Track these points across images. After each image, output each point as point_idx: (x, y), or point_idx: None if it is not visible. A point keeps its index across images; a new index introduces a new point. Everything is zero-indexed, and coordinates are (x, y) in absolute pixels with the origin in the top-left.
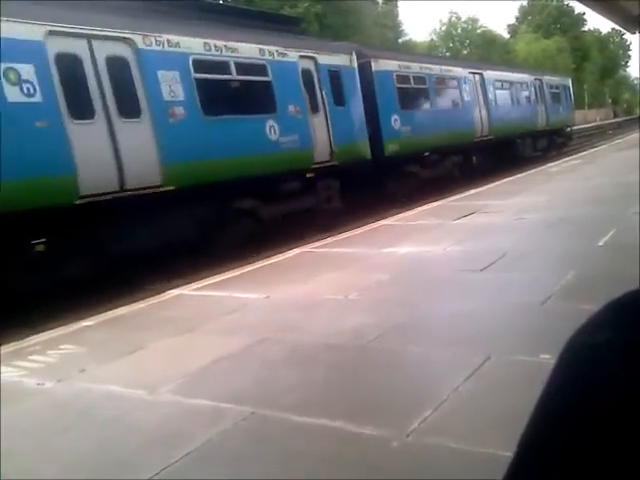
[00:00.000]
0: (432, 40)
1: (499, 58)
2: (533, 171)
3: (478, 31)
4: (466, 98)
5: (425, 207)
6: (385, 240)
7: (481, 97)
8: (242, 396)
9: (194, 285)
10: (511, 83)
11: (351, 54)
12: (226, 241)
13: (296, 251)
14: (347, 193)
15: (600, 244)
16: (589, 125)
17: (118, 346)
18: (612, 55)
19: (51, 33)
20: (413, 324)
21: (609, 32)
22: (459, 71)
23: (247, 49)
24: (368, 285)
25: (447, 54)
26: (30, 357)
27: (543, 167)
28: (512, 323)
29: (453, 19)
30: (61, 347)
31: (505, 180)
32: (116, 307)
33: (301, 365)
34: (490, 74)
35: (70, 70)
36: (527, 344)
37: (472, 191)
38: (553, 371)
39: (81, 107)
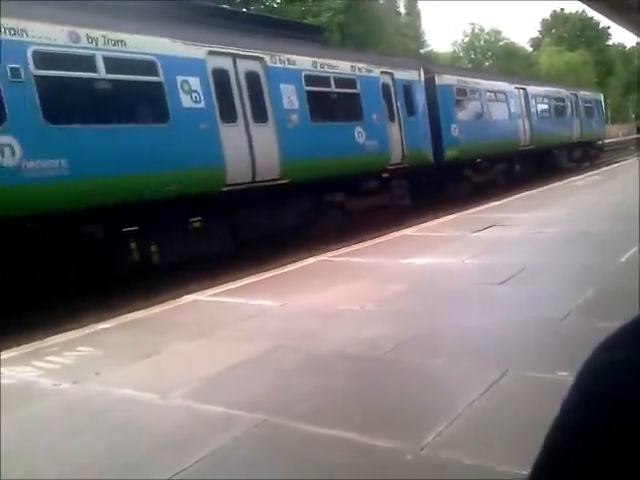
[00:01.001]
0: (454, 51)
1: (521, 71)
2: (554, 185)
3: (501, 43)
4: (512, 110)
5: (444, 219)
6: (404, 251)
7: (524, 109)
8: (255, 403)
9: (210, 291)
10: (550, 97)
11: (419, 70)
12: (319, 228)
13: (314, 259)
14: (414, 192)
15: (622, 260)
16: (612, 140)
17: (134, 350)
18: (636, 69)
19: (210, 53)
20: (430, 336)
21: (634, 46)
22: (506, 86)
23: (343, 66)
24: (385, 296)
25: (469, 65)
26: (47, 358)
27: (565, 181)
28: (530, 338)
29: (476, 31)
30: (78, 349)
31: (525, 194)
32: (132, 311)
33: (316, 374)
34: (533, 89)
35: (221, 82)
36: (545, 360)
37: (492, 204)
38: (572, 388)
39: (228, 112)
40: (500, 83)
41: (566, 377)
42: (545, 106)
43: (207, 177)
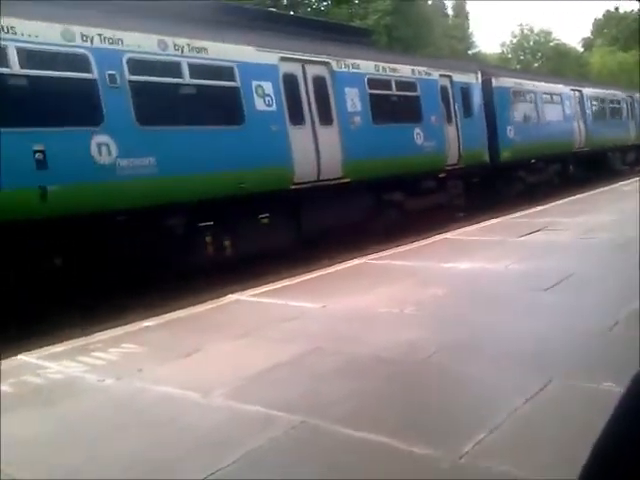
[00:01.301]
0: (503, 52)
1: (572, 71)
2: (603, 189)
3: (551, 44)
4: (567, 112)
5: (489, 222)
6: (445, 254)
7: (579, 112)
8: (293, 404)
9: (252, 291)
10: (606, 99)
11: (477, 73)
12: (378, 225)
13: (355, 262)
14: (469, 192)
15: None
16: None
17: (176, 348)
18: None
19: (282, 59)
20: (471, 342)
21: None
22: (562, 88)
23: (403, 70)
24: (425, 300)
25: (518, 66)
26: (93, 354)
27: (614, 185)
28: (575, 347)
29: (525, 32)
30: (122, 346)
31: (573, 197)
32: (176, 309)
33: (354, 377)
34: (588, 91)
35: (290, 86)
36: (590, 370)
37: (539, 207)
38: (622, 398)
39: (296, 115)
40: (556, 85)
41: (611, 388)
42: (600, 108)
43: (277, 176)
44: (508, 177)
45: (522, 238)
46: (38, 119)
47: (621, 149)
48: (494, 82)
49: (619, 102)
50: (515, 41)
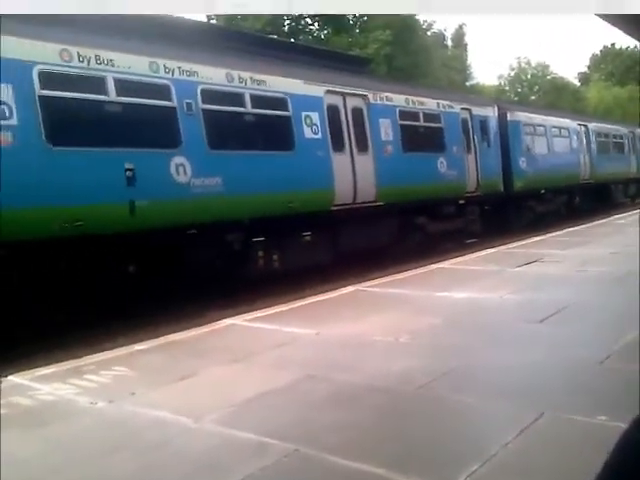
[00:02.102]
0: (500, 84)
1: (569, 105)
2: (598, 222)
3: (548, 77)
4: (574, 145)
5: (483, 252)
6: (440, 284)
7: (585, 145)
8: (286, 432)
9: (246, 316)
10: (609, 134)
11: (493, 106)
12: (403, 247)
13: (350, 289)
14: (485, 218)
15: None
16: None
17: (169, 372)
18: None
19: (327, 92)
20: (465, 372)
21: None
22: (569, 122)
23: (430, 103)
24: (420, 329)
25: (515, 99)
26: (85, 376)
27: (610, 218)
28: (568, 380)
29: (523, 65)
30: (114, 368)
31: (568, 230)
32: (170, 332)
33: (347, 406)
34: (593, 126)
35: (333, 116)
36: (583, 403)
37: (535, 238)
38: (608, 459)
39: (337, 142)
40: (564, 120)
41: (604, 422)
42: (604, 142)
43: (321, 198)
44: (519, 206)
45: (518, 269)
46: (129, 140)
47: (623, 182)
48: (509, 116)
49: (622, 137)
50: (513, 74)
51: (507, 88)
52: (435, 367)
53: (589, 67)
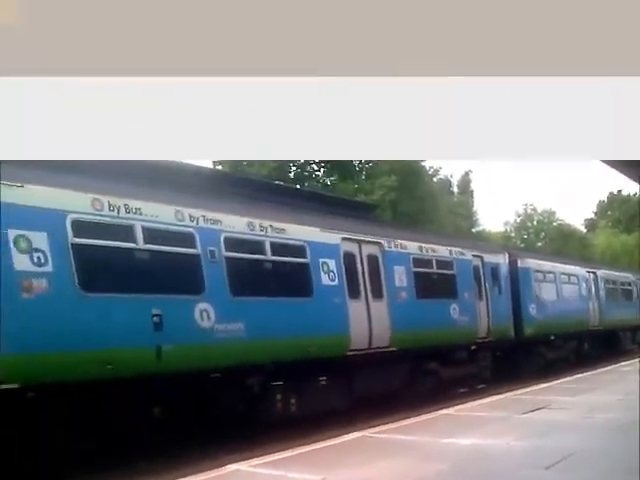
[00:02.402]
0: (506, 231)
1: (576, 252)
2: (605, 369)
3: (554, 224)
4: (583, 293)
5: (489, 399)
6: (446, 430)
7: (594, 292)
8: None
9: (253, 461)
10: (617, 282)
11: (504, 254)
12: (416, 392)
13: (356, 435)
14: (496, 364)
15: None
16: None
17: None
18: None
19: (343, 239)
20: None
21: None
22: (579, 269)
23: (442, 250)
24: (427, 475)
25: (521, 245)
26: None
27: (616, 365)
28: None
29: (529, 211)
30: None
31: (577, 376)
32: (181, 476)
33: None
34: (602, 273)
35: (349, 263)
36: None
37: (543, 385)
38: None
39: (354, 289)
40: (573, 267)
41: None
42: (613, 289)
43: (337, 343)
44: (529, 351)
45: (525, 415)
46: (156, 287)
47: (631, 329)
48: (519, 262)
49: (630, 284)
50: (519, 220)
51: (513, 234)
52: None
53: (596, 214)
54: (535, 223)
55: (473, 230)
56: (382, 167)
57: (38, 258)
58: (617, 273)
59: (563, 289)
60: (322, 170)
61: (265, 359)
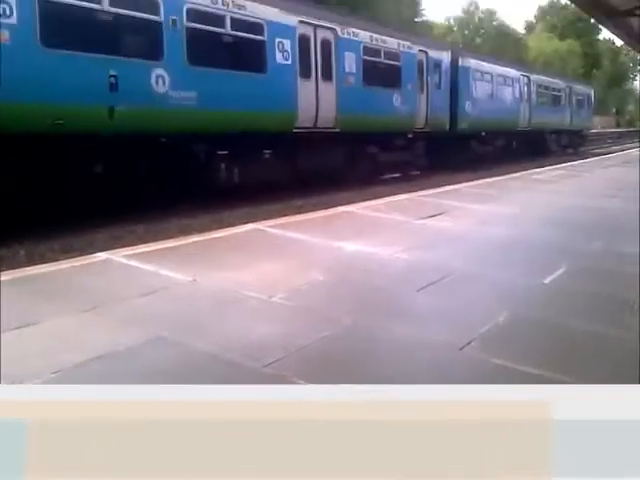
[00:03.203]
0: (449, 24)
1: (510, 53)
2: (516, 175)
3: (494, 23)
4: (516, 95)
5: (398, 197)
6: (340, 231)
7: (525, 95)
8: None
9: (127, 251)
10: (549, 87)
11: (448, 51)
12: (355, 173)
13: (249, 226)
14: (429, 153)
15: (545, 282)
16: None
17: (12, 315)
18: (622, 66)
19: (300, 22)
20: (318, 347)
21: (622, 45)
22: (514, 72)
23: (391, 42)
24: (299, 286)
25: (461, 41)
26: None
27: (527, 172)
28: (420, 366)
29: (471, 8)
30: None
31: (486, 180)
32: (38, 263)
33: (183, 379)
34: (535, 77)
35: (303, 46)
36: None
37: (452, 186)
38: None
39: (305, 71)
40: (509, 69)
41: None
42: (544, 94)
43: (285, 119)
44: (461, 145)
45: (422, 221)
46: (116, 49)
47: (558, 132)
48: (460, 61)
49: (559, 90)
50: (464, 16)
51: (455, 29)
52: (293, 339)
53: (535, 17)
54: (476, 20)
55: (416, 20)
56: None
57: (3, 10)
58: (549, 79)
59: (497, 90)
60: None
61: (214, 129)
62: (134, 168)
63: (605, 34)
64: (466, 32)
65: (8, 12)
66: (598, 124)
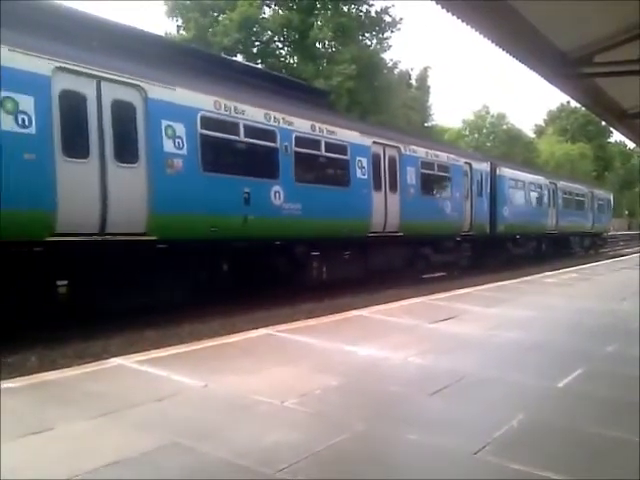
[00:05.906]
0: (463, 129)
1: (521, 156)
2: (527, 278)
3: (504, 127)
4: (545, 201)
5: (411, 301)
6: (350, 335)
7: (552, 200)
8: None
9: (140, 356)
10: (573, 193)
11: (487, 162)
12: (411, 271)
13: (262, 331)
14: (474, 254)
15: (560, 385)
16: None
17: (26, 421)
18: (634, 168)
19: (373, 142)
20: (330, 452)
21: (635, 147)
22: (543, 180)
23: (442, 156)
24: (311, 391)
25: (472, 145)
26: None
27: (539, 275)
28: (434, 473)
29: (483, 113)
30: None
31: (497, 284)
32: (49, 370)
33: None
34: (561, 184)
35: (375, 162)
36: None
37: (461, 291)
38: None
39: (376, 184)
40: (539, 177)
41: None
42: (569, 199)
43: (362, 226)
44: (499, 247)
45: (434, 325)
46: (248, 171)
47: (581, 235)
48: (498, 171)
49: (583, 195)
50: (476, 120)
51: (467, 133)
52: (308, 444)
53: (545, 121)
54: (487, 125)
55: (425, 124)
56: (344, 55)
57: (178, 144)
58: (573, 185)
59: (529, 196)
60: (285, 49)
61: (311, 234)
62: (256, 266)
63: (617, 136)
64: (476, 135)
65: (180, 144)
66: (610, 227)
